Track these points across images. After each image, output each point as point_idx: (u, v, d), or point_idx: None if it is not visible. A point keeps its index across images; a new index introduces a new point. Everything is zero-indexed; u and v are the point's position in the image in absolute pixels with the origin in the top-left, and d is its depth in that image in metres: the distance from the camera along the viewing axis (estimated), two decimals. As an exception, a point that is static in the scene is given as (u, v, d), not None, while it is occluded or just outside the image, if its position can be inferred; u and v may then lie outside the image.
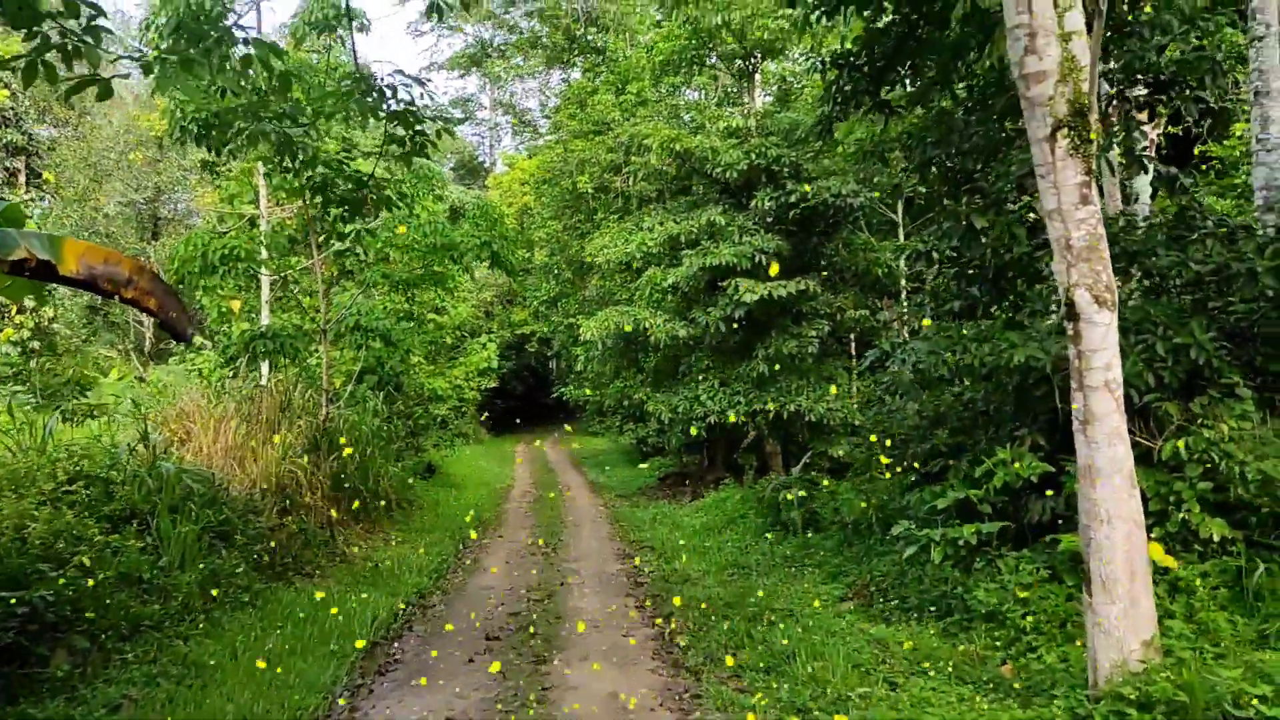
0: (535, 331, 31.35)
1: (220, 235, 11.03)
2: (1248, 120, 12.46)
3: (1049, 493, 7.38)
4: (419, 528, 13.13)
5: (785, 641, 6.70)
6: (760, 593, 8.31)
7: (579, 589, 9.46)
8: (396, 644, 7.50)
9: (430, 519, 13.74)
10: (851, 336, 18.50)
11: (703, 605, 7.86)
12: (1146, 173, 8.05)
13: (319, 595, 8.30)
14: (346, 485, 12.23)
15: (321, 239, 15.48)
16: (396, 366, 14.33)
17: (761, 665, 6.41)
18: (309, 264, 13.78)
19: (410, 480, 15.26)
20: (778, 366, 15.88)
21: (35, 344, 17.99)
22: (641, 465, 20.37)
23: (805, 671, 6.04)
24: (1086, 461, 4.81)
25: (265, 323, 14.30)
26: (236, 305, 16.28)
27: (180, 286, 11.88)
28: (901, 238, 19.16)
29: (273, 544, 8.98)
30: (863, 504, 10.24)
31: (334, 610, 7.78)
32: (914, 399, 10.18)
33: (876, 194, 15.80)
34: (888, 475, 11.30)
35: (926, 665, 5.94)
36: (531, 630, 7.65)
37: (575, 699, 5.97)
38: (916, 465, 10.50)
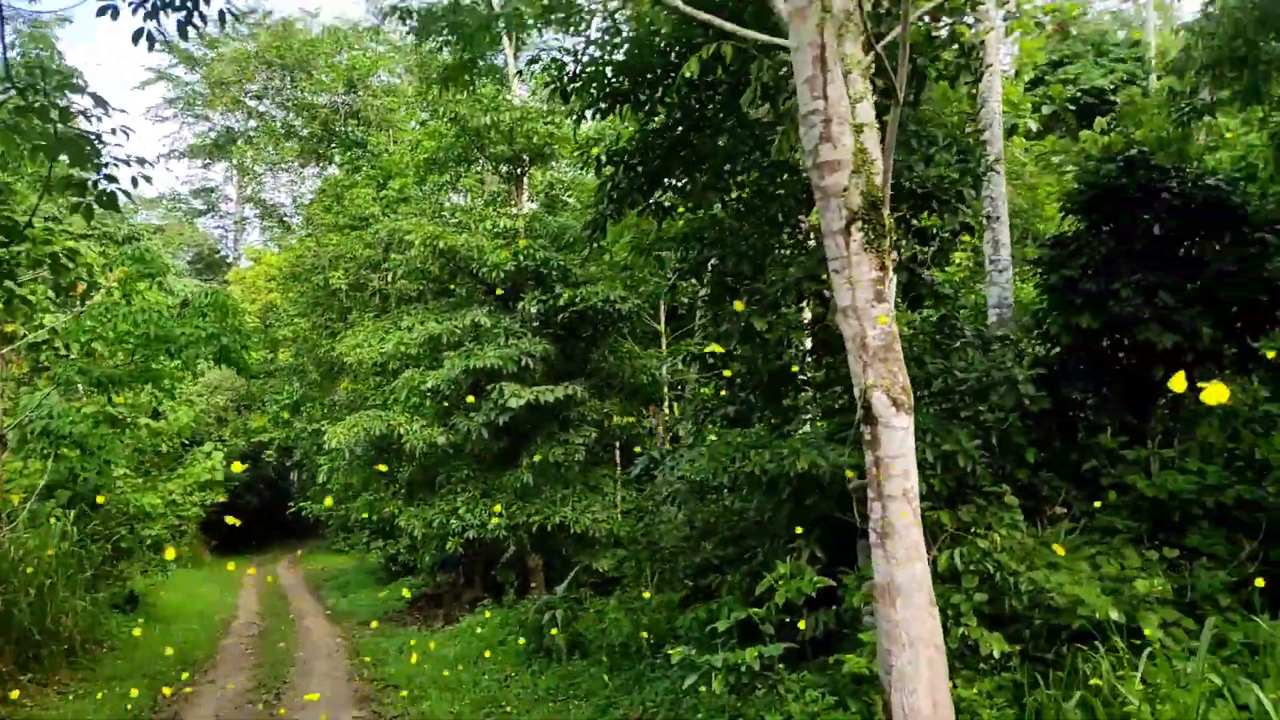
0: (275, 439, 28.60)
1: None
2: (963, 249, 13.64)
3: (826, 610, 7.07)
4: (108, 674, 10.83)
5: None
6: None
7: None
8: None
9: (124, 663, 11.43)
10: (617, 445, 18.14)
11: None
12: (919, 277, 8.25)
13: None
14: (14, 628, 9.92)
15: (10, 328, 13.10)
16: (94, 480, 12.08)
17: None
18: (-13, 354, 11.49)
19: (103, 616, 12.79)
20: (542, 476, 15.12)
21: None
22: (381, 594, 18.66)
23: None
24: (886, 579, 4.40)
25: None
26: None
27: None
28: (664, 347, 19.36)
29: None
30: (631, 625, 9.54)
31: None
32: (689, 509, 9.75)
33: (643, 302, 15.76)
34: (648, 594, 10.75)
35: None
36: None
37: None
38: (688, 581, 10.02)
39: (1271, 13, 7.34)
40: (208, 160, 44.35)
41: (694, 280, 9.25)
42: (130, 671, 11.08)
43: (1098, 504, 6.91)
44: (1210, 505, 6.47)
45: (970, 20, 10.22)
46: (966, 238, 11.53)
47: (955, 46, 7.53)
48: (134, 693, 9.76)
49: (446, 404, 16.16)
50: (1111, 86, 25.64)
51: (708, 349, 8.01)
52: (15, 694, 9.49)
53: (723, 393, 7.90)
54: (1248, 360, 7.50)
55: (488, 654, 9.50)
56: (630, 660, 9.05)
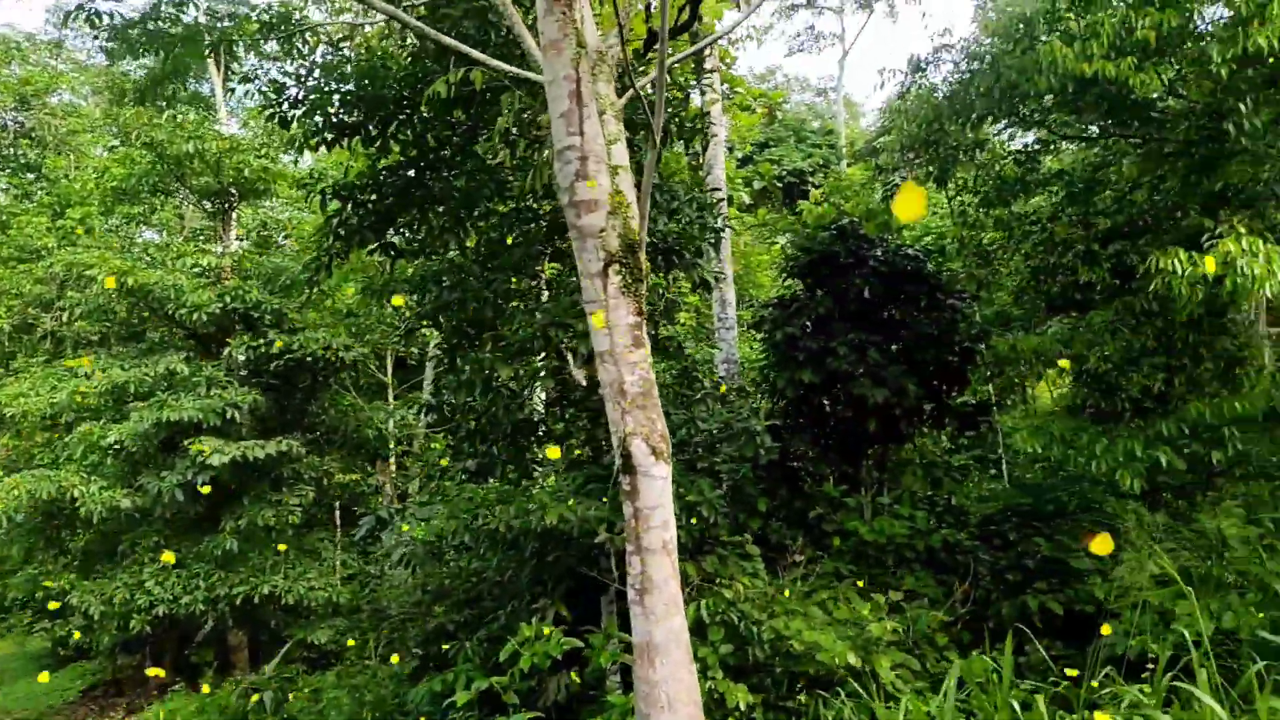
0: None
1: None
2: (686, 308, 14.24)
3: (569, 673, 6.79)
4: None
5: None
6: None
7: None
8: None
9: None
10: (337, 505, 16.84)
11: None
12: (654, 331, 8.34)
13: None
14: None
15: None
16: None
17: None
18: None
19: None
20: (249, 541, 13.64)
21: None
22: (47, 684, 15.90)
23: None
24: (644, 638, 4.21)
25: None
26: None
27: None
28: (390, 399, 18.44)
29: None
30: (353, 704, 8.68)
31: None
32: (423, 572, 9.11)
33: (369, 351, 14.87)
34: (371, 667, 9.91)
35: None
36: None
37: None
38: (418, 650, 9.33)
39: (961, 100, 8.33)
40: None
41: (429, 328, 8.78)
42: None
43: (820, 552, 7.24)
44: (921, 549, 6.97)
45: (697, 89, 10.77)
46: (690, 297, 12.05)
47: (685, 110, 7.81)
48: None
49: (133, 462, 14.22)
50: (810, 169, 28.53)
51: (441, 400, 7.54)
52: None
53: (464, 445, 7.47)
54: (944, 414, 8.25)
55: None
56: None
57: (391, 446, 16.98)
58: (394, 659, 9.72)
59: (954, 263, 10.92)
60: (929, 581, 6.84)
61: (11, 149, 26.01)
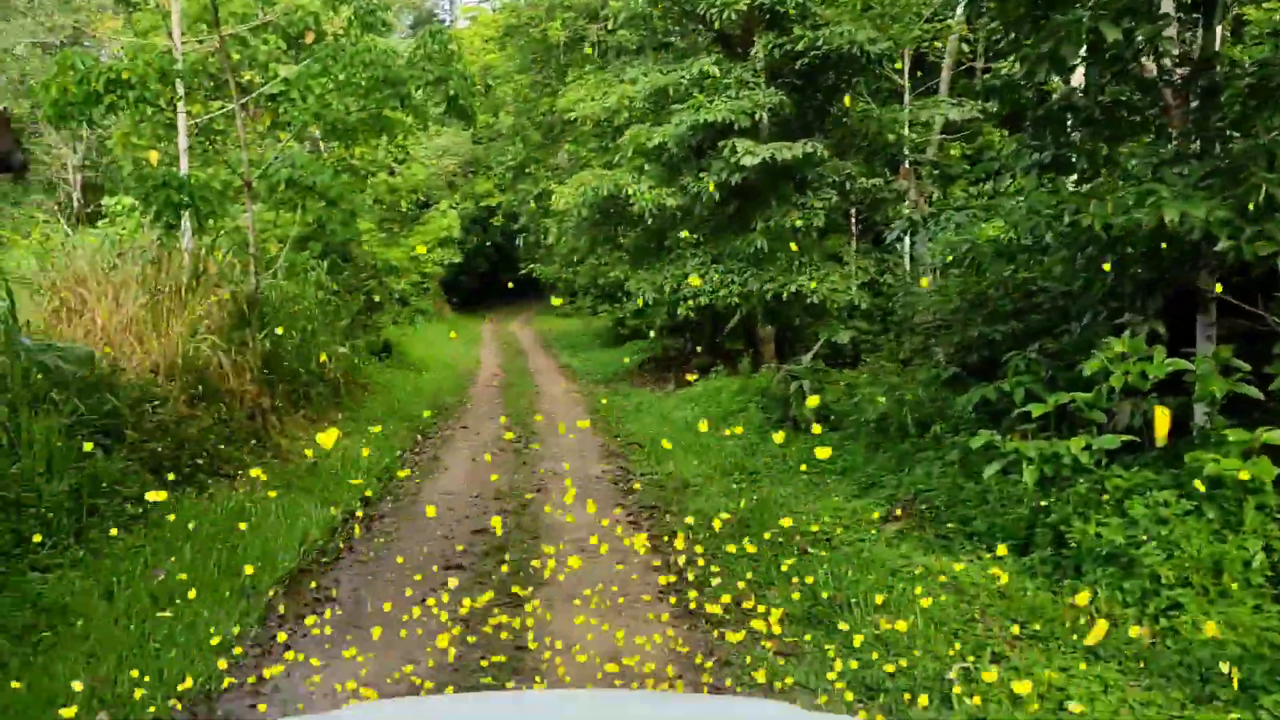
0: (501, 204, 29.07)
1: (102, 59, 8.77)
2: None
3: (1156, 400, 5.87)
4: (370, 416, 11.45)
5: (830, 581, 5.22)
6: (780, 508, 6.82)
7: (558, 496, 7.90)
8: (328, 574, 5.92)
9: (384, 405, 12.07)
10: (854, 211, 16.69)
11: (715, 524, 6.31)
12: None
13: (233, 505, 6.67)
14: (283, 367, 10.46)
15: (247, 77, 13.19)
16: (341, 232, 12.30)
17: (804, 616, 4.93)
18: (231, 107, 11.58)
19: (361, 362, 13.52)
20: (777, 241, 14.14)
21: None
22: (610, 356, 18.76)
23: (868, 629, 4.55)
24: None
25: (184, 172, 12.13)
26: (154, 156, 14.01)
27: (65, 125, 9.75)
28: (907, 101, 17.27)
29: (178, 440, 7.25)
30: (892, 401, 8.71)
31: (252, 523, 6.17)
32: (964, 278, 8.56)
33: (892, 42, 13.71)
34: (894, 371, 9.81)
35: (1037, 626, 4.47)
36: (502, 556, 6.09)
37: (561, 664, 4.43)
38: (940, 359, 9.01)
39: None
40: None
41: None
42: (389, 413, 11.69)
43: None
44: None
45: None
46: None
47: None
48: (406, 432, 10.24)
49: (673, 165, 15.27)
50: None
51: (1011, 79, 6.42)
52: (334, 435, 10.20)
53: (1032, 137, 6.42)
54: None
55: (738, 430, 9.01)
56: (890, 440, 8.30)
57: (906, 152, 16.08)
58: (923, 367, 9.57)
59: None
60: None
61: None
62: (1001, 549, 5.36)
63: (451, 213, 18.20)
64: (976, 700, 3.72)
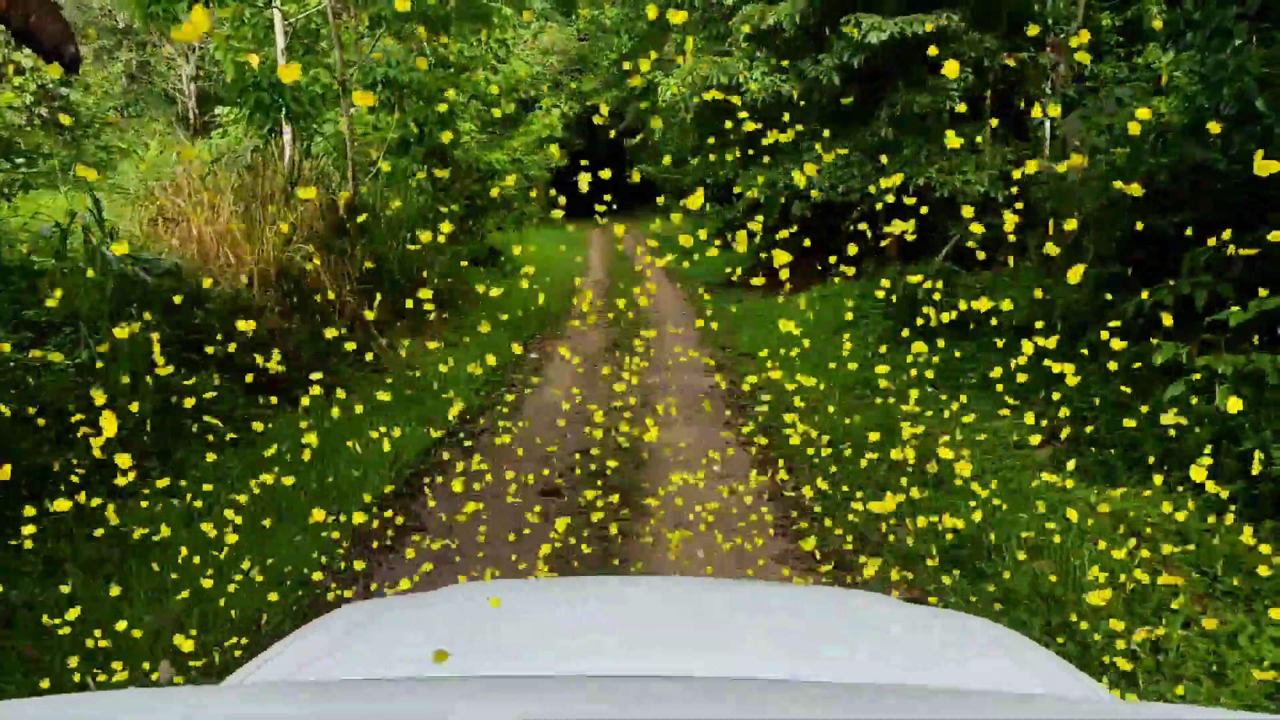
0: (605, 105, 28.04)
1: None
2: None
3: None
4: (474, 325, 11.11)
5: (992, 528, 4.52)
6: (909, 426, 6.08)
7: (664, 414, 7.37)
8: (417, 504, 5.58)
9: (488, 315, 11.71)
10: (989, 93, 15.11)
11: (845, 450, 5.66)
12: None
13: (328, 424, 6.38)
14: (384, 275, 10.19)
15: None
16: (438, 132, 11.80)
17: (971, 586, 4.27)
18: (325, 4, 11.07)
19: (465, 267, 13.19)
20: (904, 128, 12.91)
21: (44, 111, 15.91)
22: (718, 258, 17.83)
23: (1023, 577, 3.86)
24: None
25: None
26: (255, 60, 13.77)
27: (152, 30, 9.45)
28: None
29: (272, 355, 7.00)
30: (1030, 305, 7.72)
31: (347, 443, 5.87)
32: (1184, 153, 7.37)
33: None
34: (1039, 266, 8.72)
35: (1235, 581, 3.69)
36: (606, 483, 5.61)
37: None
38: (1106, 256, 7.89)
39: None
40: None
41: None
42: (494, 323, 11.33)
43: None
44: None
45: None
46: None
47: None
48: (513, 344, 9.90)
49: (791, 46, 14.04)
50: None
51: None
52: (430, 342, 9.97)
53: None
54: None
55: (856, 341, 8.23)
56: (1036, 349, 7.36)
57: (1051, 24, 14.31)
58: (1075, 269, 8.48)
59: None
60: None
61: None
62: (1186, 480, 4.52)
63: (555, 111, 17.45)
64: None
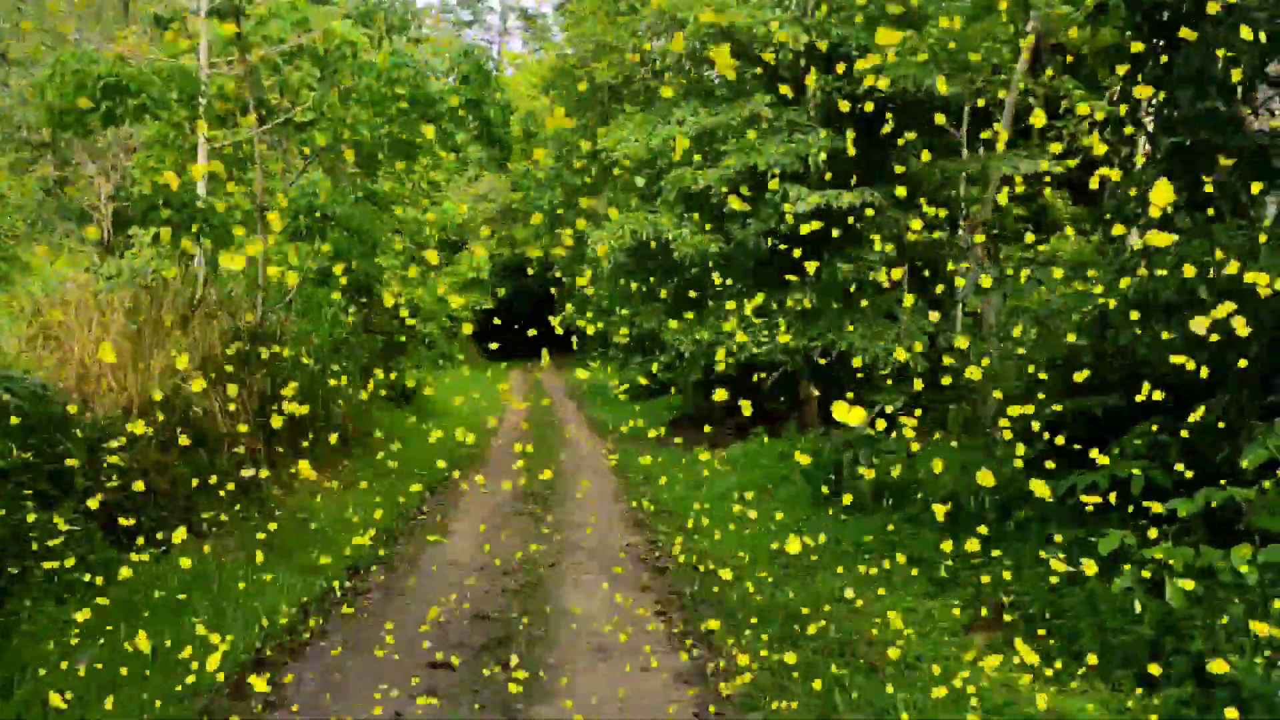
0: (538, 251, 28.31)
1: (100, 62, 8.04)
2: None
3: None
4: (379, 467, 10.46)
5: (911, 712, 4.09)
6: (839, 605, 5.70)
7: (577, 574, 6.84)
8: (289, 666, 4.87)
9: (396, 456, 11.07)
10: (906, 266, 15.63)
11: (762, 635, 5.21)
12: None
13: (198, 571, 5.67)
14: (286, 410, 9.55)
15: (274, 100, 12.53)
16: (361, 265, 11.48)
17: None
18: (252, 132, 10.90)
19: (376, 407, 12.62)
20: (827, 296, 13.15)
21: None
22: (640, 411, 17.68)
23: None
24: None
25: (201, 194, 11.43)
26: (174, 181, 13.39)
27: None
28: (964, 154, 16.29)
29: (143, 491, 6.30)
30: (961, 478, 7.58)
31: (213, 594, 5.18)
32: (1045, 343, 7.47)
33: (963, 88, 12.76)
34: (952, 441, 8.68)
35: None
36: (507, 651, 5.01)
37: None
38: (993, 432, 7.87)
39: None
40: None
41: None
42: (401, 465, 10.70)
43: None
44: None
45: None
46: None
47: None
48: (414, 487, 9.24)
49: (718, 211, 14.38)
50: None
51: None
52: (304, 465, 9.26)
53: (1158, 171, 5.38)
54: None
55: (778, 509, 7.94)
56: (963, 524, 7.13)
57: (965, 207, 15.09)
58: (1004, 424, 8.42)
59: None
60: None
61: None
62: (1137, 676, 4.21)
63: (482, 252, 17.42)
64: None
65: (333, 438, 10.26)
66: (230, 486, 7.68)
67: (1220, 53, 4.66)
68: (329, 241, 10.97)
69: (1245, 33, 4.42)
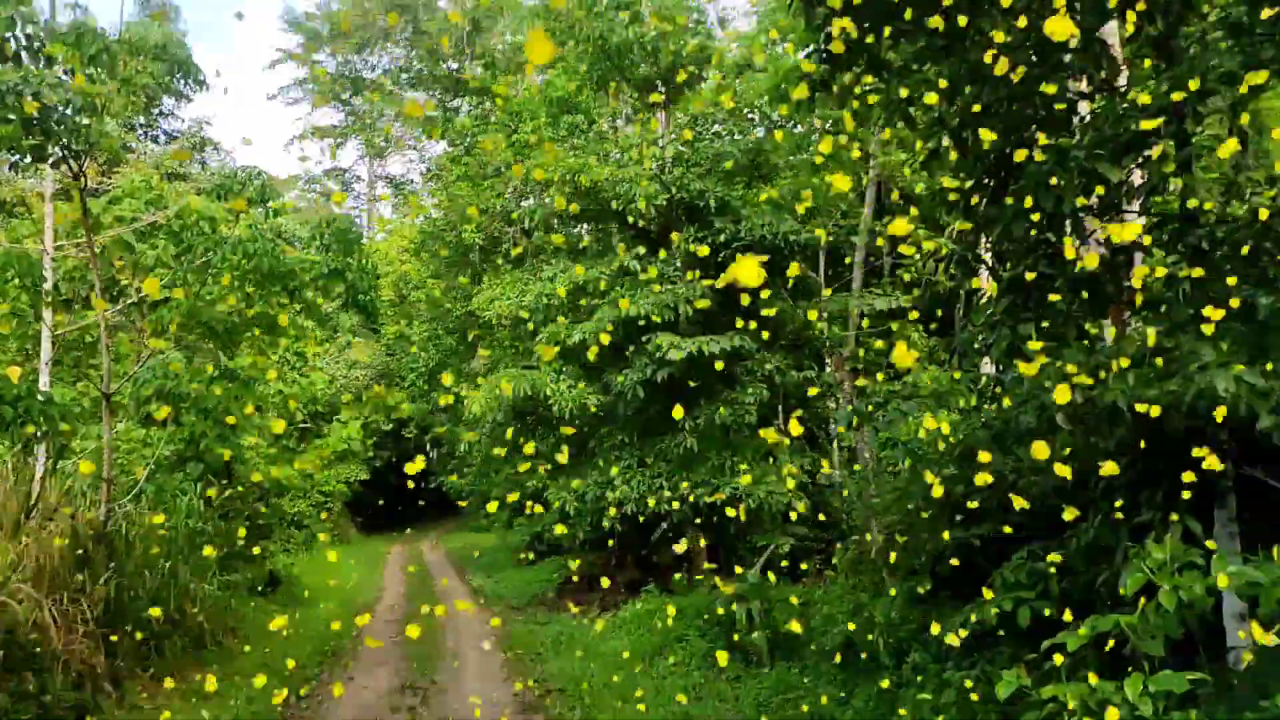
0: (413, 418, 27.60)
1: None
2: None
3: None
4: (240, 670, 9.51)
5: None
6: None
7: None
8: None
9: (257, 656, 10.13)
10: (780, 405, 15.92)
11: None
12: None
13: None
14: (132, 616, 8.69)
15: (125, 282, 12.04)
16: (218, 448, 10.79)
17: None
18: (95, 317, 10.37)
19: (237, 601, 11.65)
20: (706, 441, 13.17)
21: None
22: (528, 575, 16.97)
23: None
24: None
25: (45, 388, 10.63)
26: (15, 373, 12.52)
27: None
28: (822, 294, 17.05)
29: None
30: (855, 622, 7.41)
31: None
32: (921, 475, 7.53)
33: (822, 232, 13.42)
34: (840, 580, 8.61)
35: None
36: None
37: None
38: (913, 571, 7.82)
39: None
40: (340, 141, 45.14)
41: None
42: (264, 666, 9.74)
43: None
44: None
45: None
46: None
47: None
48: (278, 697, 8.33)
49: (592, 364, 14.41)
50: None
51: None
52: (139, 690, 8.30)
53: (1007, 310, 5.61)
54: None
55: (675, 664, 7.57)
56: (860, 672, 6.93)
57: (829, 344, 15.63)
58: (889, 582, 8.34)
59: None
60: None
61: (469, 64, 28.59)
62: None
63: (354, 424, 16.80)
64: None
65: (187, 643, 9.36)
66: (70, 710, 6.82)
67: (1053, 181, 4.95)
68: (184, 426, 10.33)
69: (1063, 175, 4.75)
